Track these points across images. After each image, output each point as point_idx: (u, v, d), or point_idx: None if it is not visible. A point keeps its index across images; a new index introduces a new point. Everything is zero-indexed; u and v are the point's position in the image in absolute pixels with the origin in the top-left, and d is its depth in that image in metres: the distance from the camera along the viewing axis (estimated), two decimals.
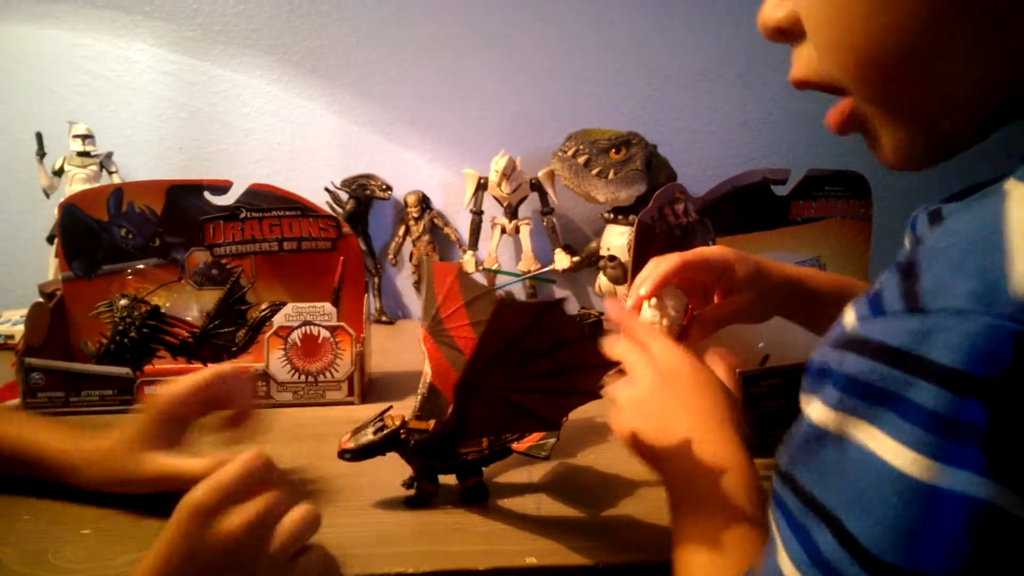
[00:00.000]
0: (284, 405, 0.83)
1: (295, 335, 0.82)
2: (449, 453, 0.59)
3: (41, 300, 0.85)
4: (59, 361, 0.80)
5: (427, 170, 1.32)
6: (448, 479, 0.61)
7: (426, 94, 1.29)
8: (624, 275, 1.17)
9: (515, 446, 0.62)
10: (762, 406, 0.70)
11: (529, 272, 1.28)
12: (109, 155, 1.17)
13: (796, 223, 0.86)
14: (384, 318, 1.28)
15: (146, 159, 1.24)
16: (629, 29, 1.32)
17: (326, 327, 0.83)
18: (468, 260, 1.28)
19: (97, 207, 0.86)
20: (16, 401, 0.79)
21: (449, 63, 1.29)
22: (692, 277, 0.63)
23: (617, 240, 1.20)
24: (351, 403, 0.84)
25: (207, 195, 0.88)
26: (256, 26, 1.24)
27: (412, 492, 0.60)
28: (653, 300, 0.61)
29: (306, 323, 0.82)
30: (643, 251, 0.78)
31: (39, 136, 1.14)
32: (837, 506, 0.29)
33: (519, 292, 1.33)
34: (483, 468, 0.62)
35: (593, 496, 0.63)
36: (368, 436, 0.57)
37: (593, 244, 1.29)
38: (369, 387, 0.89)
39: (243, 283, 0.87)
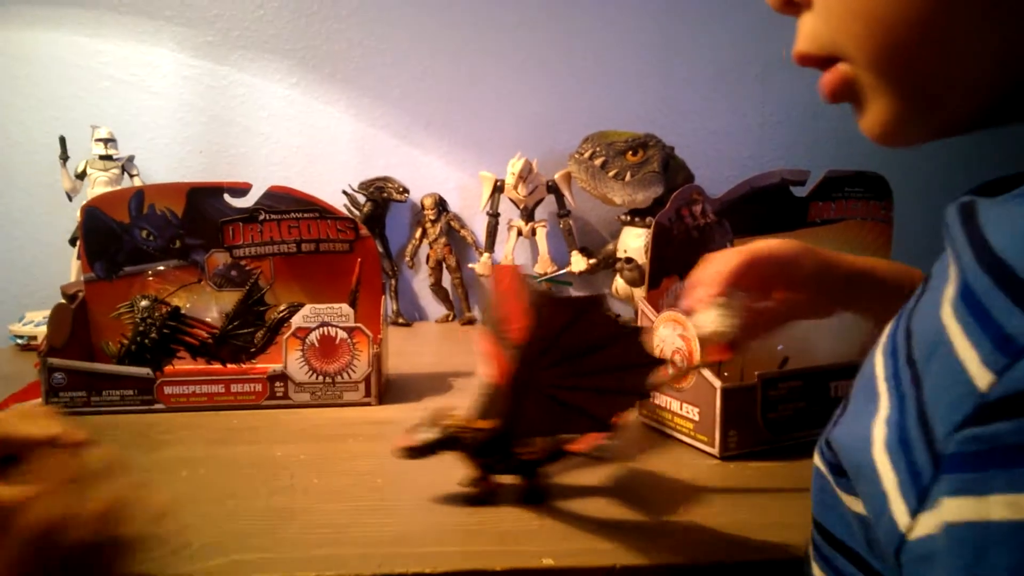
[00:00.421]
0: (302, 406, 0.83)
1: (313, 336, 0.83)
2: (504, 453, 0.59)
3: (63, 301, 0.86)
4: (81, 361, 0.81)
5: (444, 173, 1.32)
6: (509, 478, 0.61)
7: (442, 97, 1.30)
8: (641, 277, 1.16)
9: (571, 447, 0.61)
10: (780, 409, 0.70)
11: (546, 275, 1.28)
12: (131, 158, 1.19)
13: (815, 224, 0.85)
14: (401, 320, 1.28)
15: (167, 162, 1.25)
16: (646, 31, 1.31)
17: (343, 328, 0.83)
18: (484, 262, 1.28)
19: (119, 209, 0.87)
20: (39, 400, 0.81)
21: (465, 66, 1.29)
22: (757, 271, 0.60)
23: (634, 242, 1.19)
24: (368, 404, 0.84)
25: (227, 197, 0.88)
26: (275, 31, 1.25)
27: (473, 490, 0.60)
28: (718, 299, 0.58)
29: (324, 324, 0.83)
30: (660, 253, 0.78)
31: (62, 140, 1.16)
32: None
33: None
34: (541, 469, 0.61)
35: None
36: (427, 434, 0.57)
37: (610, 246, 1.28)
38: (386, 388, 0.89)
39: (262, 284, 0.87)
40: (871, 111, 0.34)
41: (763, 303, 0.62)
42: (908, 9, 0.30)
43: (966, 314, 0.26)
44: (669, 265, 0.78)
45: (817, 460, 0.36)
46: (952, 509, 0.24)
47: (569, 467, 0.66)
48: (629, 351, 0.53)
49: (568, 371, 0.52)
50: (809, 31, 0.35)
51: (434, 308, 1.35)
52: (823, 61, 0.35)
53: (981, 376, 0.24)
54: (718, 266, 0.60)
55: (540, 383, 0.52)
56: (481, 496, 0.60)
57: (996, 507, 0.23)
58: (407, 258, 1.31)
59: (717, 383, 0.66)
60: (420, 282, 1.34)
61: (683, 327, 0.70)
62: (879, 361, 0.32)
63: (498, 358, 0.63)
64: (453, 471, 0.67)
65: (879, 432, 0.29)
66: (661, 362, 0.55)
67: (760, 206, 0.82)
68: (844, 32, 0.33)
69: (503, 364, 0.63)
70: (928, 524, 0.25)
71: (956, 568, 0.23)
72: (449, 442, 0.57)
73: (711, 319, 0.59)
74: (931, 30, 0.30)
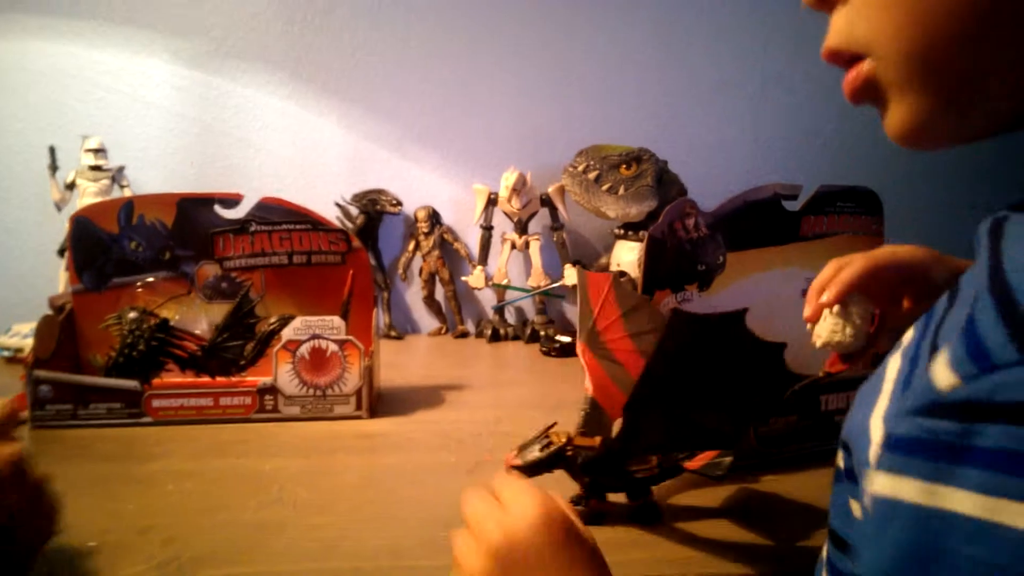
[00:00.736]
0: (292, 419, 0.82)
1: (304, 349, 0.82)
2: (618, 470, 0.58)
3: (51, 313, 0.85)
4: (68, 374, 0.80)
5: (437, 185, 1.32)
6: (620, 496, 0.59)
7: (437, 109, 1.30)
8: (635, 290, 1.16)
9: (688, 464, 0.59)
10: (771, 422, 0.69)
11: (539, 287, 1.28)
12: (121, 169, 1.18)
13: (807, 239, 0.86)
14: (393, 333, 1.28)
15: (158, 173, 1.24)
16: (642, 46, 1.32)
17: (335, 341, 0.82)
18: (478, 275, 1.28)
19: (108, 220, 0.86)
20: (25, 414, 0.79)
21: (459, 78, 1.29)
22: (885, 276, 0.57)
23: (627, 256, 1.19)
24: (359, 417, 0.83)
25: (217, 208, 0.88)
26: (268, 42, 1.25)
27: (582, 509, 0.58)
28: (836, 307, 0.56)
29: (315, 337, 0.82)
30: (653, 266, 0.77)
31: (52, 150, 1.15)
32: None
33: (528, 306, 1.33)
34: (654, 487, 0.60)
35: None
36: (535, 453, 0.56)
37: (603, 260, 1.28)
38: (378, 401, 0.88)
39: (252, 296, 0.87)
40: (896, 111, 0.34)
41: (896, 311, 0.59)
42: (940, 6, 0.30)
43: (962, 320, 0.26)
44: (662, 278, 0.78)
45: (839, 461, 0.36)
46: (879, 482, 0.26)
47: (736, 490, 0.65)
48: (768, 367, 0.50)
49: (699, 389, 0.50)
50: (842, 25, 0.35)
51: (427, 321, 1.34)
52: (850, 58, 0.35)
53: (944, 377, 0.25)
54: (840, 272, 0.57)
55: (668, 402, 0.50)
56: (590, 516, 0.58)
57: (910, 489, 0.25)
58: (400, 270, 1.31)
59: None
60: (413, 295, 1.34)
61: None
62: (894, 362, 0.32)
63: (598, 373, 0.62)
64: (445, 484, 0.66)
65: (876, 425, 0.30)
66: (802, 378, 0.53)
67: (753, 220, 0.82)
68: (881, 23, 0.32)
69: (604, 379, 0.62)
70: (865, 495, 0.27)
71: (866, 534, 0.27)
72: (556, 460, 0.56)
73: (827, 328, 0.56)
74: (971, 26, 0.29)
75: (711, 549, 0.55)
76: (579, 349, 0.63)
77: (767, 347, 0.50)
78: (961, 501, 0.24)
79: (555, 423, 0.59)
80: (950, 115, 0.32)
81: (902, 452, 0.26)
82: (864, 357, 0.58)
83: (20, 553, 0.46)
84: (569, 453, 0.56)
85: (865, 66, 0.34)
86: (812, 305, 0.57)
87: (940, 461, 0.25)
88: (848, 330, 0.56)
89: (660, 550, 0.55)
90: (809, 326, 0.60)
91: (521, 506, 0.42)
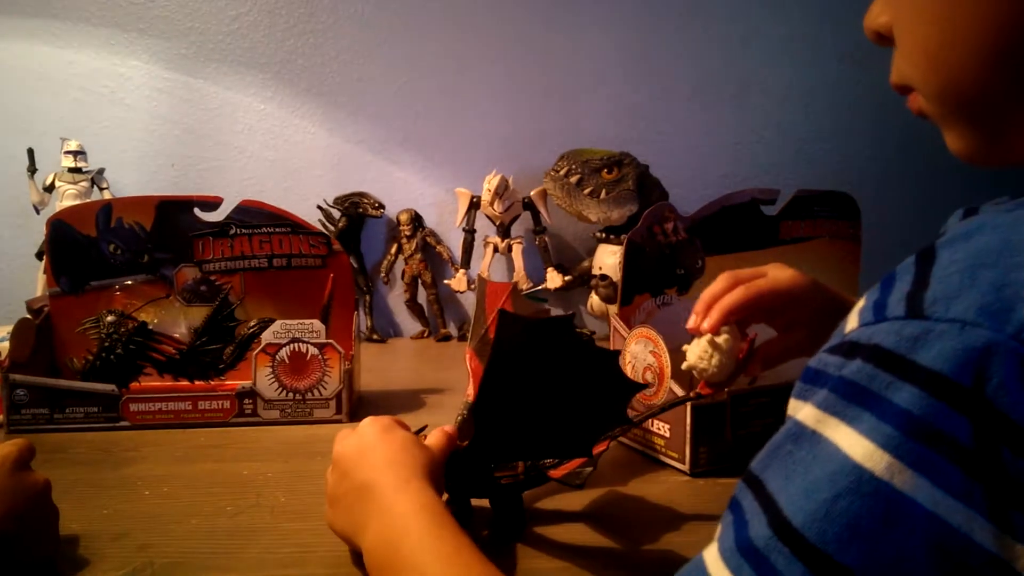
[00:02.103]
0: (271, 423, 0.82)
1: (283, 352, 0.82)
2: (482, 477, 0.57)
3: (28, 316, 0.84)
4: (44, 378, 0.80)
5: (419, 188, 1.32)
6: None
7: (419, 113, 1.30)
8: (615, 294, 1.17)
9: (552, 472, 0.58)
10: (750, 425, 0.70)
11: (521, 291, 1.28)
12: (100, 171, 1.17)
13: (786, 243, 0.86)
14: (375, 336, 1.27)
15: (139, 176, 1.24)
16: (622, 50, 1.33)
17: (315, 344, 0.82)
18: (460, 278, 1.28)
19: (86, 223, 0.85)
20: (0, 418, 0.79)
21: (442, 82, 1.29)
22: (763, 306, 0.60)
23: (609, 259, 1.20)
24: (339, 421, 0.83)
25: (197, 211, 0.87)
26: (250, 44, 1.24)
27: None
28: (708, 336, 0.57)
29: (294, 340, 0.82)
30: (633, 270, 0.78)
31: (30, 152, 1.14)
32: (779, 490, 0.28)
33: None
34: (519, 493, 0.59)
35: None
36: None
37: (585, 263, 1.29)
38: (358, 405, 0.88)
39: (232, 300, 0.86)
40: (948, 136, 0.37)
41: (763, 339, 0.61)
42: (967, 54, 0.33)
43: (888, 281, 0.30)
44: (641, 282, 0.79)
45: None
46: (791, 405, 0.31)
47: (602, 494, 0.65)
48: (606, 375, 0.52)
49: (545, 393, 0.51)
50: (896, 63, 0.38)
51: (409, 324, 1.34)
52: (905, 90, 0.38)
53: (851, 322, 0.30)
54: (719, 300, 0.58)
55: (516, 405, 0.51)
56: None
57: (804, 411, 0.29)
58: (382, 274, 1.31)
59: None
60: (395, 298, 1.34)
61: (655, 343, 0.70)
62: None
63: (479, 377, 0.62)
64: None
65: None
66: (640, 387, 0.54)
67: (731, 224, 0.83)
68: (912, 68, 0.36)
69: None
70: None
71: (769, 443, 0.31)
72: None
73: (695, 353, 0.58)
74: (990, 69, 0.32)
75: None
76: (467, 355, 0.63)
77: (600, 354, 0.52)
78: (806, 414, 0.29)
79: (426, 425, 0.59)
80: (991, 142, 0.35)
81: (808, 381, 0.31)
82: (732, 383, 0.60)
83: (27, 563, 0.48)
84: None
85: (918, 98, 0.37)
86: (699, 317, 0.59)
87: (809, 383, 0.30)
88: (714, 360, 0.57)
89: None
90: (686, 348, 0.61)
91: (359, 425, 0.54)
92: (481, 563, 0.42)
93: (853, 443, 0.27)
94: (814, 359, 0.31)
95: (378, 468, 0.49)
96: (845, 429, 0.27)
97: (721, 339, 0.57)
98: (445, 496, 0.58)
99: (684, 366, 0.59)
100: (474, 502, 0.59)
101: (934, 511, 0.25)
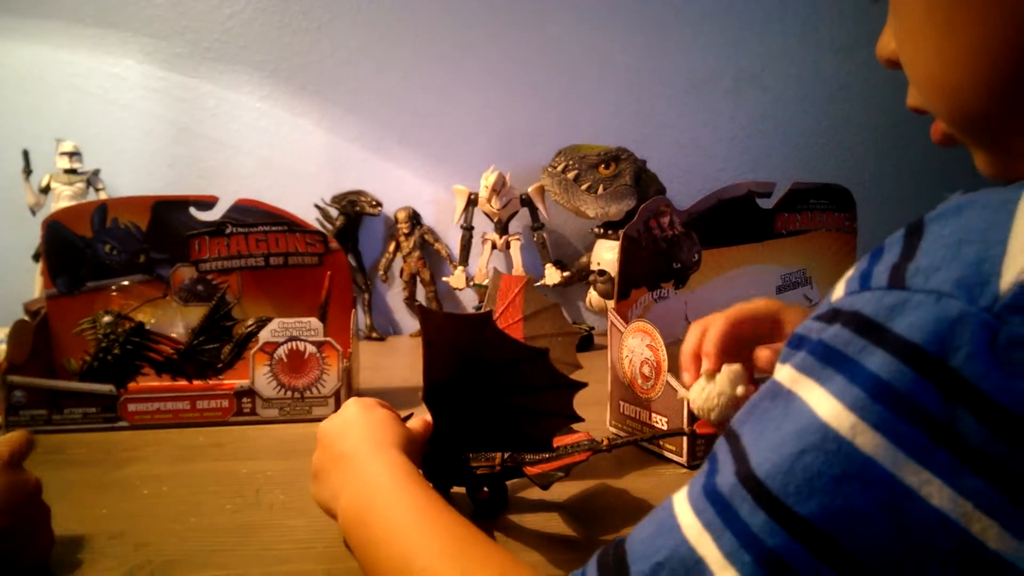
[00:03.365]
0: (270, 422, 0.82)
1: (281, 351, 0.82)
2: (459, 466, 0.58)
3: (25, 318, 0.84)
4: (42, 379, 0.80)
5: (417, 186, 1.32)
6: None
7: (416, 110, 1.30)
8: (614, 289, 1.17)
9: (527, 469, 0.59)
10: None
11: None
12: (96, 172, 1.17)
13: (782, 236, 0.86)
14: (374, 334, 1.27)
15: (134, 176, 1.24)
16: (618, 46, 1.33)
17: (312, 342, 0.82)
18: (459, 276, 1.28)
19: (81, 224, 0.85)
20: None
21: (439, 79, 1.29)
22: (743, 332, 0.61)
23: (607, 255, 1.20)
24: None
25: (193, 211, 0.87)
26: (245, 43, 1.24)
27: None
28: (710, 375, 0.59)
29: (292, 339, 0.82)
30: (629, 264, 0.78)
31: (26, 153, 1.14)
32: (751, 443, 0.29)
33: None
34: (496, 484, 0.60)
35: (610, 511, 0.61)
36: None
37: (583, 259, 1.29)
38: None
39: (229, 299, 0.86)
40: (975, 157, 0.37)
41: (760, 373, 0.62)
42: (971, 79, 0.33)
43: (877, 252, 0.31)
44: (638, 276, 0.79)
45: None
46: (775, 368, 0.32)
47: (590, 486, 0.65)
48: (543, 373, 0.53)
49: (495, 387, 0.53)
50: (909, 89, 0.38)
51: (408, 322, 1.34)
52: (924, 112, 0.38)
53: (838, 291, 0.31)
54: (706, 336, 0.61)
55: (460, 397, 0.53)
56: None
57: (783, 372, 0.30)
58: (380, 272, 1.31)
59: (684, 392, 0.67)
60: (394, 296, 1.34)
61: (652, 337, 0.70)
62: None
63: None
64: None
65: None
66: (579, 385, 0.55)
67: (727, 218, 0.83)
68: (925, 96, 0.36)
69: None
70: None
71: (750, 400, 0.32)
72: None
73: (702, 397, 0.59)
74: (995, 96, 0.33)
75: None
76: None
77: (528, 351, 0.54)
78: (784, 374, 0.30)
79: (411, 413, 0.60)
80: (1017, 160, 0.35)
81: (786, 345, 0.32)
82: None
83: (20, 563, 0.48)
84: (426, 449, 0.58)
85: (939, 125, 0.38)
86: (692, 372, 0.61)
87: (793, 348, 0.31)
88: (715, 399, 0.58)
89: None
90: (682, 391, 0.63)
91: (344, 405, 0.57)
92: (453, 517, 0.43)
93: (822, 402, 0.28)
94: (801, 326, 0.31)
95: (356, 439, 0.52)
96: (817, 389, 0.28)
97: (723, 377, 0.58)
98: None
99: (691, 407, 0.61)
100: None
101: (892, 472, 0.26)
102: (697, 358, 0.62)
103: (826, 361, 0.28)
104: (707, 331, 0.61)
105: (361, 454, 0.50)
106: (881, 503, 0.26)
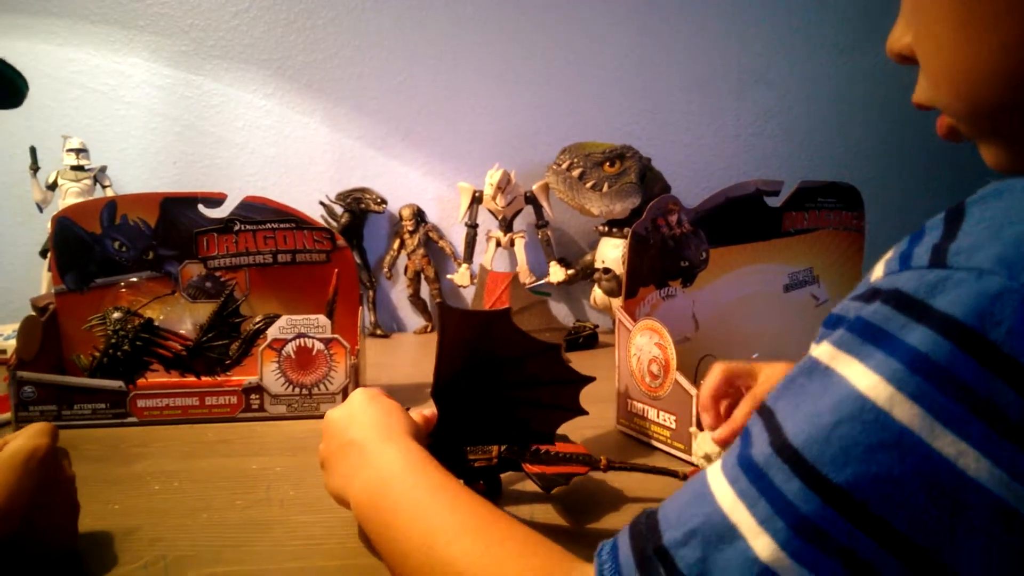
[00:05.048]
0: (278, 418, 0.82)
1: (289, 347, 0.82)
2: (457, 459, 0.58)
3: (34, 314, 0.85)
4: (51, 375, 0.80)
5: (422, 184, 1.32)
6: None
7: (421, 108, 1.30)
8: (619, 287, 1.17)
9: (526, 466, 0.58)
10: None
11: (524, 285, 1.28)
12: (103, 169, 1.17)
13: (789, 234, 0.87)
14: (379, 331, 1.28)
15: (140, 173, 1.24)
16: (624, 44, 1.33)
17: (320, 339, 0.82)
18: (463, 273, 1.28)
19: (90, 220, 0.85)
20: (8, 415, 0.79)
21: (443, 77, 1.29)
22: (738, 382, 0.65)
23: (612, 253, 1.20)
24: None
25: (201, 208, 0.88)
26: (251, 41, 1.24)
27: None
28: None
29: (300, 335, 0.82)
30: (637, 262, 0.78)
31: (33, 150, 1.14)
32: (786, 417, 0.30)
33: None
34: (492, 477, 0.60)
35: (624, 514, 0.59)
36: None
37: (588, 257, 1.29)
38: None
39: (237, 296, 0.86)
40: (983, 151, 0.38)
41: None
42: (988, 76, 0.33)
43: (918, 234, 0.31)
44: (646, 274, 0.79)
45: None
46: (811, 348, 0.32)
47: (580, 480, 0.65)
48: (553, 367, 0.54)
49: (502, 383, 0.53)
50: (921, 85, 0.39)
51: (412, 319, 1.34)
52: (929, 109, 0.39)
53: (877, 271, 0.31)
54: (704, 391, 0.64)
55: (470, 391, 0.53)
56: None
57: (820, 349, 0.30)
58: (385, 269, 1.31)
59: (693, 391, 0.67)
60: (398, 293, 1.34)
61: (659, 335, 0.70)
62: None
63: None
64: None
65: None
66: (588, 379, 0.56)
67: (735, 216, 0.83)
68: (935, 91, 0.37)
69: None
70: None
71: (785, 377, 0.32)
72: None
73: (701, 443, 0.63)
74: (1013, 93, 0.33)
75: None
76: None
77: (540, 346, 0.55)
78: (822, 351, 0.30)
79: (409, 408, 0.60)
80: (1015, 155, 0.36)
81: (822, 325, 0.32)
82: None
83: (50, 556, 0.49)
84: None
85: (945, 120, 0.38)
86: (713, 414, 0.64)
87: (830, 327, 0.31)
88: (720, 449, 0.61)
89: None
90: (695, 432, 0.66)
91: (349, 395, 0.57)
92: (471, 495, 0.44)
93: (861, 377, 0.28)
94: (838, 306, 0.32)
95: (365, 426, 0.52)
96: (856, 365, 0.28)
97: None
98: None
99: (701, 455, 0.64)
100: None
101: (928, 442, 0.26)
102: (717, 401, 0.64)
103: (865, 337, 0.29)
104: (703, 388, 0.64)
105: (372, 441, 0.51)
106: (915, 471, 0.26)
